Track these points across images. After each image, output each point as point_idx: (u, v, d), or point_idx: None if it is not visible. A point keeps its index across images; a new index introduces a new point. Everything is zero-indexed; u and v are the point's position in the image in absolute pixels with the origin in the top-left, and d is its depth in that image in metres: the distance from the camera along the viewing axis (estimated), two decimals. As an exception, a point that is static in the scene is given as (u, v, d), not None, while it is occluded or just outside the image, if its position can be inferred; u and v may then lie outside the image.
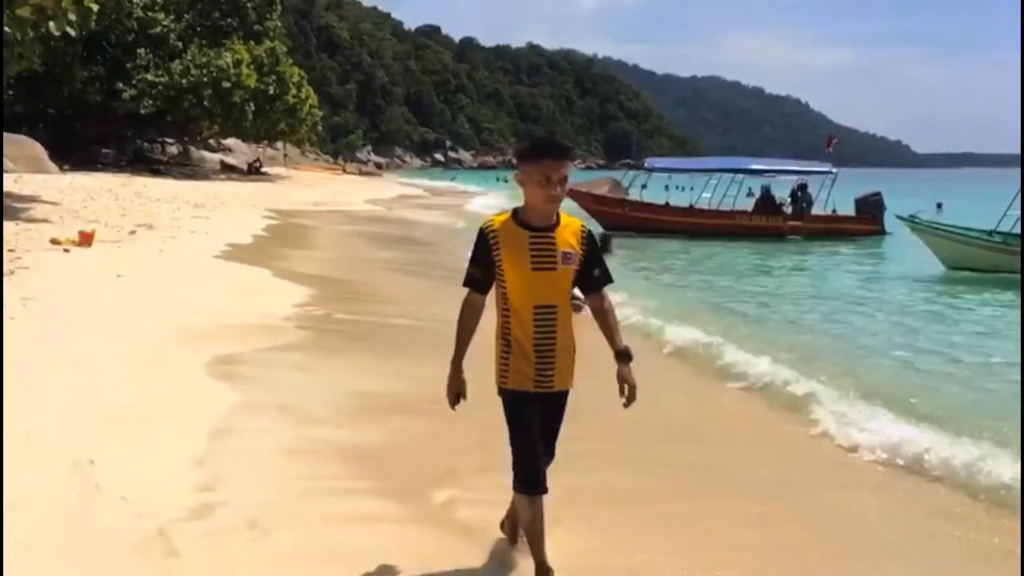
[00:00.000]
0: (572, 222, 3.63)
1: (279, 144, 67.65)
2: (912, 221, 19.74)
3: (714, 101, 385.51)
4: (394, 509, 4.51)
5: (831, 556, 4.39)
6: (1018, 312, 13.45)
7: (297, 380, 6.91)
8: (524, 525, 3.69)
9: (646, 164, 31.34)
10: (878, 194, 28.80)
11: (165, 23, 44.35)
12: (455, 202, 42.79)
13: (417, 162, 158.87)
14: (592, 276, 3.65)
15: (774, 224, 27.15)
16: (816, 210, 28.24)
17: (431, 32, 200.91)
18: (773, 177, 29.93)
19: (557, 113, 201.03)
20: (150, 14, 43.73)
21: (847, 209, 28.56)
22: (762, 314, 12.92)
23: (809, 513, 5.00)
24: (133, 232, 16.66)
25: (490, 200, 40.93)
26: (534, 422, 3.57)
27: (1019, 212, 17.94)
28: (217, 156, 59.11)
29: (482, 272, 3.56)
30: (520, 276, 3.50)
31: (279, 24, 52.71)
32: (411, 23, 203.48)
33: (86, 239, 13.78)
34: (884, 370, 8.94)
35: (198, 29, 46.38)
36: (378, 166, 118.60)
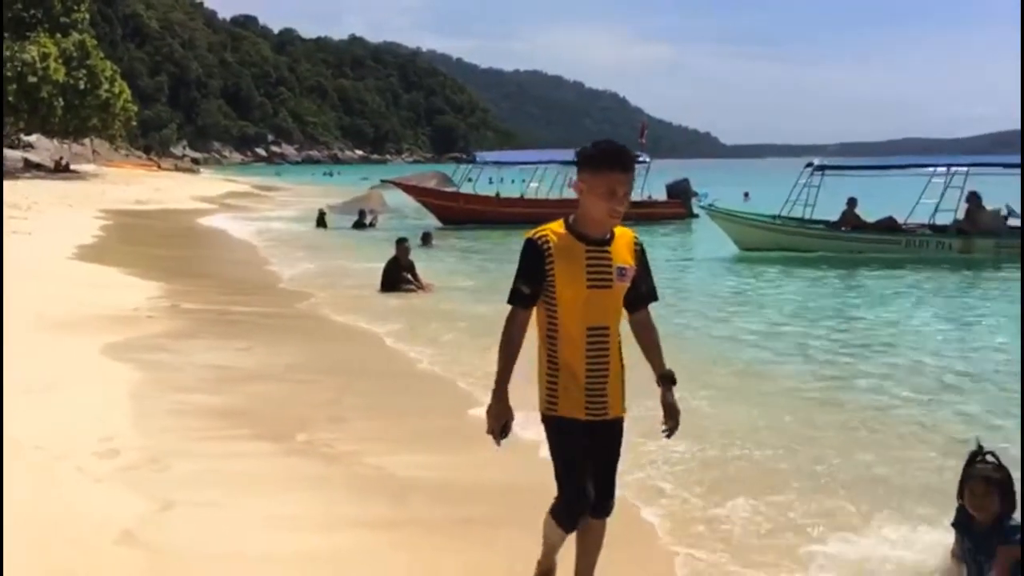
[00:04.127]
0: (625, 233, 3.33)
1: (87, 140, 64.41)
2: (710, 209, 22.16)
3: (537, 95, 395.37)
4: (266, 447, 5.55)
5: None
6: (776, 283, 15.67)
7: (162, 359, 7.73)
8: (547, 543, 3.53)
9: (477, 158, 32.56)
10: (686, 180, 31.78)
11: (-40, 13, 41.62)
12: (285, 198, 42.71)
13: (238, 157, 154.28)
14: (640, 292, 3.35)
15: None
16: (632, 196, 30.67)
17: (247, 22, 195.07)
18: None
19: (383, 107, 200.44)
20: (-58, 3, 40.93)
21: (661, 196, 31.30)
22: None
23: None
24: (-50, 233, 16.30)
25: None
26: (584, 453, 3.28)
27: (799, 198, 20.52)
28: (18, 153, 55.66)
29: (531, 288, 3.21)
30: (574, 295, 3.19)
31: (87, 16, 50.45)
32: (225, 13, 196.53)
33: (-96, 241, 13.54)
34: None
35: (-2, 20, 43.77)
36: (195, 162, 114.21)
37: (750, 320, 11.53)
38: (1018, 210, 19.52)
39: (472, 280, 15.12)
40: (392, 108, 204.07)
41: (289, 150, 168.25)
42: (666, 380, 3.39)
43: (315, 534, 4.26)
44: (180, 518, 4.21)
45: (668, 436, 3.43)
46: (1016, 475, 4.53)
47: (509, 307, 3.30)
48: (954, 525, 3.98)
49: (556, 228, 3.24)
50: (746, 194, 41.03)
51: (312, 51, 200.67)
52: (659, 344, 3.42)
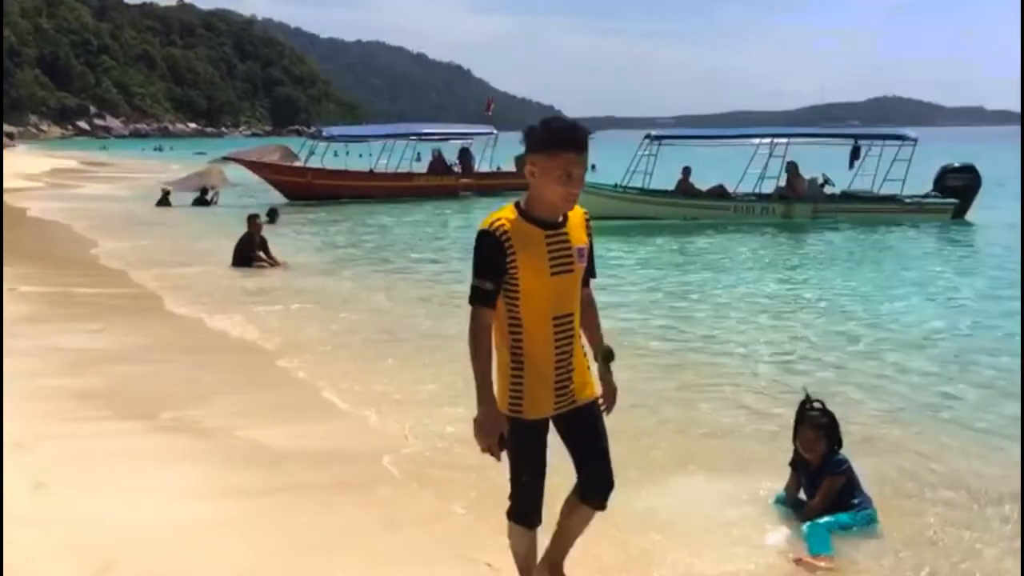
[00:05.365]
0: (576, 210, 3.12)
1: None
2: (556, 178, 22.81)
3: (380, 66, 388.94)
4: (135, 426, 5.58)
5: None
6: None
7: (12, 344, 7.42)
8: (517, 557, 3.28)
9: (324, 133, 31.85)
10: (532, 151, 32.54)
11: None
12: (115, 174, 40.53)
13: (57, 131, 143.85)
14: (587, 268, 3.20)
15: (449, 183, 29.55)
16: (482, 168, 31.16)
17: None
18: (443, 140, 32.32)
19: (217, 77, 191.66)
20: None
21: (509, 167, 31.95)
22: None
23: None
24: None
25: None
26: (544, 453, 3.14)
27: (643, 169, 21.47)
28: None
29: (495, 284, 2.97)
30: (539, 284, 2.99)
31: None
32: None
33: None
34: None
35: None
36: (9, 136, 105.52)
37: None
38: (834, 179, 21.30)
39: (322, 256, 15.16)
40: (227, 79, 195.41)
41: (115, 123, 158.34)
42: (607, 358, 3.29)
43: (197, 504, 4.39)
44: (55, 496, 4.25)
45: (607, 413, 3.30)
46: (1015, 471, 5.00)
47: (471, 308, 3.01)
48: (791, 464, 4.57)
49: (508, 215, 3.00)
50: (592, 165, 42.23)
51: (137, 17, 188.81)
52: (599, 321, 3.32)
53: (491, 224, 2.97)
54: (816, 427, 4.42)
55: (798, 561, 3.97)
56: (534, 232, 2.99)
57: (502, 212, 3.02)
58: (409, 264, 14.40)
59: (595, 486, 3.19)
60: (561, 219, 3.05)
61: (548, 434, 3.14)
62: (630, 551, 4.00)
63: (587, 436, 3.16)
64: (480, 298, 2.99)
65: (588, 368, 3.21)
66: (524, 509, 3.17)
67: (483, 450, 3.03)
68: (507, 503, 3.23)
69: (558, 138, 2.95)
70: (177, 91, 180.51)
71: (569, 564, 3.42)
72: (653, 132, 22.47)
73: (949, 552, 4.06)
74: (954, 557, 4.02)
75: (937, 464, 5.16)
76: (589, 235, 3.16)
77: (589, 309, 3.27)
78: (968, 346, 8.22)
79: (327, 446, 5.52)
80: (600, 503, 3.23)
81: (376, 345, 8.25)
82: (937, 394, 6.67)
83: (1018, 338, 8.11)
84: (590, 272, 3.23)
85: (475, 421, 3.00)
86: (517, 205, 3.04)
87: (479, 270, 2.98)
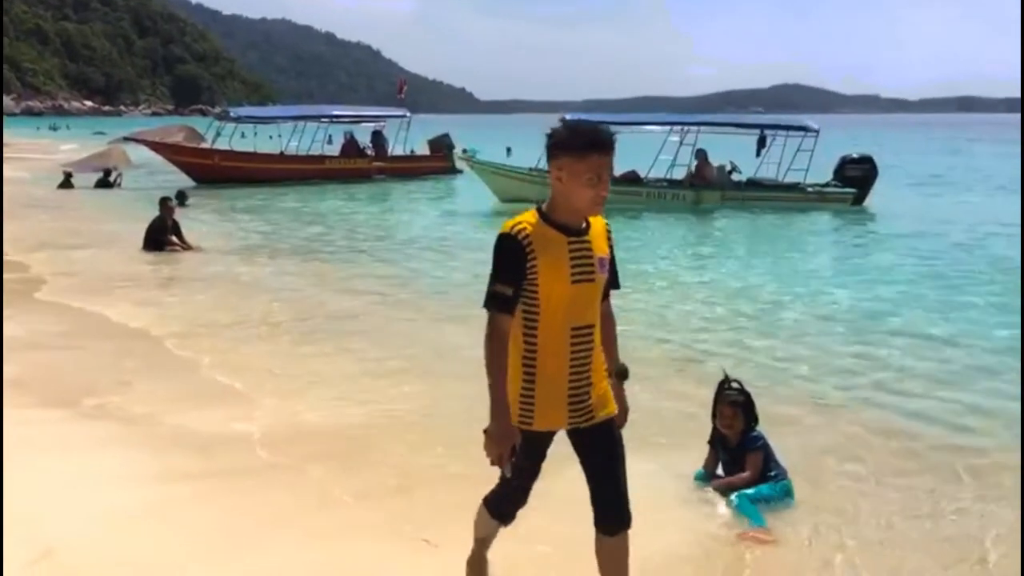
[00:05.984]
0: (598, 219, 3.06)
1: None
2: (473, 161, 22.79)
3: (286, 45, 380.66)
4: (60, 413, 5.50)
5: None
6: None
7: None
8: (477, 538, 3.40)
9: (232, 113, 30.96)
10: (447, 135, 32.45)
11: None
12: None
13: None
14: (608, 279, 3.08)
15: (362, 167, 29.21)
16: (396, 151, 30.95)
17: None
18: (356, 123, 31.89)
19: (115, 54, 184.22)
20: None
21: (423, 151, 31.82)
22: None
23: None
24: None
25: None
26: (541, 461, 3.10)
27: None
28: None
29: (515, 289, 2.88)
30: (560, 291, 2.91)
31: None
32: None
33: None
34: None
35: None
36: None
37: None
38: (741, 167, 21.98)
39: (234, 240, 14.93)
40: (125, 55, 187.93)
41: (6, 101, 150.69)
42: (620, 375, 3.19)
43: (131, 490, 4.36)
44: (-18, 486, 4.16)
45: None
46: (917, 442, 5.27)
47: (488, 313, 2.90)
48: (710, 443, 4.78)
49: (530, 219, 2.92)
50: (508, 149, 42.23)
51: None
52: (616, 337, 3.22)
53: (512, 227, 2.89)
54: (734, 404, 4.64)
55: (743, 536, 4.14)
56: (557, 237, 2.91)
57: (524, 216, 2.94)
58: (323, 249, 14.31)
59: (606, 510, 3.04)
60: (584, 226, 2.98)
61: (543, 450, 3.07)
62: (558, 539, 3.87)
63: (603, 457, 3.04)
64: (498, 303, 2.88)
65: (607, 384, 3.10)
66: (504, 507, 3.23)
67: (493, 462, 2.93)
68: (475, 489, 3.27)
69: (587, 140, 2.88)
70: (72, 67, 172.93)
71: (503, 555, 3.49)
72: (567, 116, 22.68)
73: (863, 520, 4.32)
74: (867, 524, 4.28)
75: (848, 436, 5.48)
76: (611, 246, 3.08)
77: (608, 322, 3.16)
78: (872, 324, 8.68)
79: (250, 430, 5.50)
80: (613, 528, 3.05)
81: (292, 331, 8.25)
82: (846, 371, 7.05)
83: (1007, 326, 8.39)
84: (613, 283, 3.13)
85: (486, 432, 2.90)
86: (539, 209, 2.95)
87: (498, 274, 2.88)
